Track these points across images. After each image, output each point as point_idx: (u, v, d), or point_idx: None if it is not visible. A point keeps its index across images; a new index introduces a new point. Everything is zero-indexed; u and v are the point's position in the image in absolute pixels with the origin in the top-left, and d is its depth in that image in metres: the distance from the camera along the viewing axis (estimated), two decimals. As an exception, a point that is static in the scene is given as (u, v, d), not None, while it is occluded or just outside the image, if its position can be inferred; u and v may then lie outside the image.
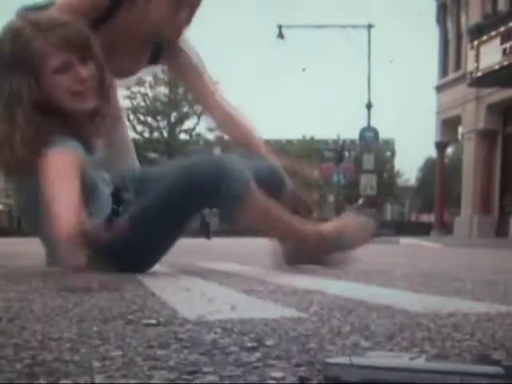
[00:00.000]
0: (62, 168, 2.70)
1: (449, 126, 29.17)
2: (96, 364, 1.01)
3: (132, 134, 49.90)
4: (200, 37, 4.06)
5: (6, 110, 2.89)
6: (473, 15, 24.00)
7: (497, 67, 20.27)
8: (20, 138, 2.81)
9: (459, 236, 25.39)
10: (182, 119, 50.19)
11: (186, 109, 49.48)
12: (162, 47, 3.67)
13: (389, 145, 63.36)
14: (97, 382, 0.89)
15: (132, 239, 2.97)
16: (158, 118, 49.89)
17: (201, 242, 15.55)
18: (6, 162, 2.95)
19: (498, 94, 23.61)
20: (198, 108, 49.19)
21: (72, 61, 2.91)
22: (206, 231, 23.46)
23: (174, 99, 49.04)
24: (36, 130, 2.85)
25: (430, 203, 43.25)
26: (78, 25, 2.98)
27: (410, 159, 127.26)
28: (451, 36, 29.02)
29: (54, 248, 2.48)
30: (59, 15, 3.10)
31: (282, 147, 50.95)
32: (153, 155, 45.87)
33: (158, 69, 4.21)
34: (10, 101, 2.88)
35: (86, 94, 2.98)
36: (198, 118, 48.47)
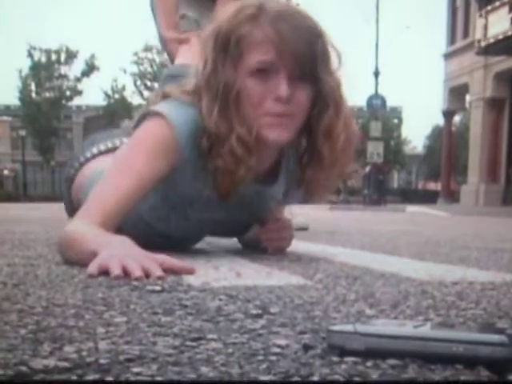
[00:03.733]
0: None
1: (456, 93, 29.14)
2: (100, 330, 1.01)
3: (139, 100, 49.96)
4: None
5: (223, 103, 2.20)
6: (482, -18, 23.83)
7: (505, 35, 20.18)
8: (235, 139, 2.18)
9: (465, 204, 25.42)
10: (188, 84, 50.04)
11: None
12: None
13: (396, 112, 63.18)
14: (101, 347, 0.89)
15: None
16: (165, 83, 49.73)
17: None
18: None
19: (506, 63, 23.55)
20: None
21: (279, 68, 2.15)
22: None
23: (181, 65, 48.86)
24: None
25: (437, 171, 43.25)
26: (315, 33, 2.21)
27: (418, 127, 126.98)
28: (459, 3, 28.86)
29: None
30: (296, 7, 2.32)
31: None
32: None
33: None
34: (224, 90, 2.19)
35: (277, 117, 2.19)
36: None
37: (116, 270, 1.65)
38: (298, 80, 2.17)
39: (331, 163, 2.33)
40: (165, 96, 2.38)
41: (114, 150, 2.86)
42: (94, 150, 2.96)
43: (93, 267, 1.71)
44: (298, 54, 2.14)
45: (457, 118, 38.47)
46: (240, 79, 2.18)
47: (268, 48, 2.14)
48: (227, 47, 2.19)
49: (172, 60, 4.03)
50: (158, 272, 1.66)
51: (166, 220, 2.44)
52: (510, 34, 19.96)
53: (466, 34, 27.75)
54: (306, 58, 2.16)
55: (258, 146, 2.22)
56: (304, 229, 4.53)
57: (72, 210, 2.88)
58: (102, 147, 2.98)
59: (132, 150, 2.25)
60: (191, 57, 3.37)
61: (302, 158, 2.45)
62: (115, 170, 2.23)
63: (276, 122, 2.18)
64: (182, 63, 3.63)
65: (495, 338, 0.82)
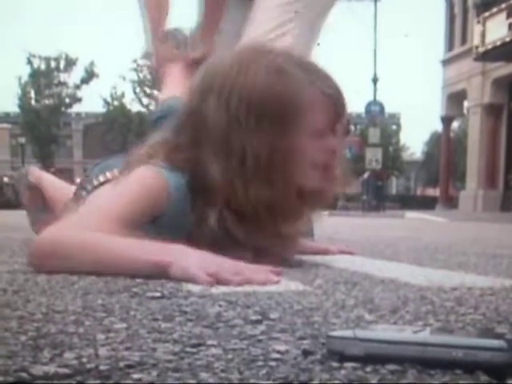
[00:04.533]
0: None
1: (454, 100, 29.19)
2: (100, 336, 1.01)
3: (138, 107, 50.02)
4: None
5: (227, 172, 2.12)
6: (479, -11, 23.89)
7: (503, 42, 20.22)
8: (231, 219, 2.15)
9: (464, 210, 25.44)
10: (187, 92, 50.16)
11: (191, 82, 49.50)
12: None
13: (394, 118, 63.23)
14: (101, 354, 0.90)
15: None
16: (164, 91, 49.82)
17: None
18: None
19: (503, 69, 23.61)
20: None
21: (333, 123, 2.19)
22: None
23: (180, 72, 48.98)
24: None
25: (436, 177, 43.28)
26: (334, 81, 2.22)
27: (416, 133, 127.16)
28: (457, 10, 28.92)
29: None
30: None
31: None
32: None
33: None
34: (238, 160, 2.11)
35: (332, 169, 2.22)
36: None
37: (236, 279, 1.66)
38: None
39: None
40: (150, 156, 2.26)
41: None
42: (108, 175, 2.77)
43: (203, 277, 1.65)
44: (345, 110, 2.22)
45: (455, 124, 38.60)
46: (293, 141, 2.12)
47: (329, 107, 2.15)
48: (272, 112, 2.10)
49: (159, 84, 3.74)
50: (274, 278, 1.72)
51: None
52: (507, 40, 20.00)
53: (464, 41, 27.82)
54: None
55: None
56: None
57: None
58: (117, 172, 2.75)
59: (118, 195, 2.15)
60: (177, 88, 3.22)
61: None
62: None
63: (324, 173, 2.19)
64: (170, 98, 3.36)
65: (494, 343, 0.82)
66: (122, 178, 2.20)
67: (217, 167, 2.12)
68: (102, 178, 2.73)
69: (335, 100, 2.16)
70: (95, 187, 2.70)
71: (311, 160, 2.15)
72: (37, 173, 3.51)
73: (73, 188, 3.23)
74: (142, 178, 2.16)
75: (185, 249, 1.82)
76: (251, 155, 2.09)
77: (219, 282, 1.64)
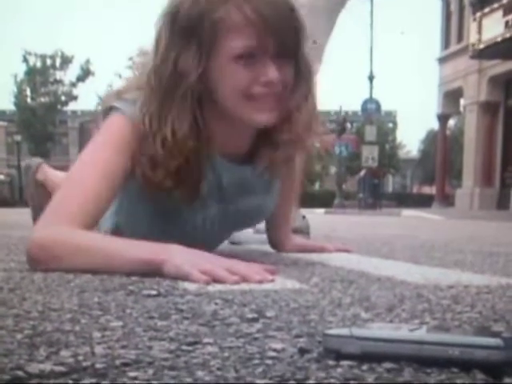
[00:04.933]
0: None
1: (451, 98, 29.19)
2: (96, 334, 1.01)
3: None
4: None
5: (164, 97, 2.07)
6: (476, -14, 23.90)
7: (499, 39, 20.24)
8: (170, 134, 2.05)
9: (460, 208, 25.44)
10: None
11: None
12: None
13: (391, 116, 63.26)
14: (97, 352, 0.89)
15: None
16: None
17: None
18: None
19: (500, 67, 23.61)
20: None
21: (265, 50, 1.99)
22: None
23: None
24: (192, 129, 2.09)
25: (432, 175, 43.35)
26: (289, 6, 2.04)
27: (412, 131, 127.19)
28: (454, 8, 28.93)
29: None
30: None
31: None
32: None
33: None
34: (171, 82, 2.05)
35: (266, 101, 2.06)
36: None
37: (231, 277, 1.66)
38: (282, 58, 2.03)
39: (290, 142, 2.23)
40: (118, 94, 2.25)
41: None
42: None
43: (197, 275, 1.66)
44: (282, 32, 1.99)
45: (451, 122, 38.60)
46: (215, 67, 2.02)
47: (251, 31, 1.96)
48: (192, 32, 2.00)
49: None
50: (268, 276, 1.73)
51: (169, 235, 2.06)
52: (504, 37, 20.00)
53: (460, 38, 27.81)
54: (289, 34, 2.02)
55: (235, 127, 2.17)
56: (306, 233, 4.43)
57: None
58: None
59: (95, 146, 2.13)
60: None
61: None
62: (78, 169, 2.10)
63: (266, 105, 2.05)
64: None
65: (491, 341, 0.82)
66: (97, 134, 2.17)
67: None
68: None
69: (260, 25, 1.95)
70: None
71: (240, 88, 2.02)
72: (45, 169, 3.47)
73: None
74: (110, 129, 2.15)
75: (178, 247, 1.82)
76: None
77: (214, 280, 1.64)
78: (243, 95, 2.03)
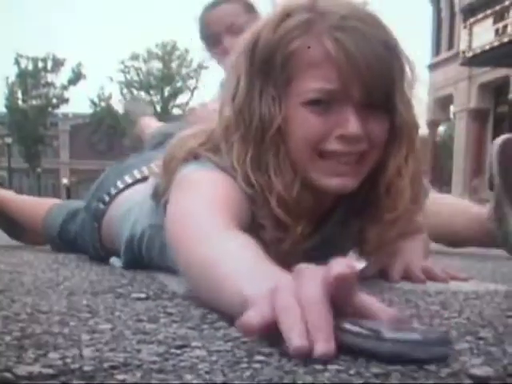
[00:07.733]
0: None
1: (441, 104, 29.21)
2: (85, 337, 1.01)
3: (125, 109, 49.91)
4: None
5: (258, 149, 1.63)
6: (466, -6, 23.99)
7: (489, 47, 20.30)
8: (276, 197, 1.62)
9: (450, 214, 25.43)
10: (175, 94, 50.29)
11: (179, 84, 49.75)
12: None
13: (381, 123, 63.39)
14: (85, 354, 0.90)
15: None
16: (152, 92, 49.93)
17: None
18: None
19: (490, 74, 23.67)
20: (192, 83, 49.36)
21: (347, 96, 1.56)
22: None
23: (168, 74, 49.13)
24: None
25: (422, 181, 43.27)
26: (384, 39, 1.59)
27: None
28: (444, 15, 28.99)
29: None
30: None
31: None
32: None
33: None
34: (257, 129, 1.62)
35: (341, 161, 1.61)
36: (192, 93, 48.67)
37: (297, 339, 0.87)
38: (370, 109, 1.59)
39: (390, 221, 1.76)
40: (188, 156, 1.73)
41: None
42: (128, 179, 2.36)
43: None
44: (372, 77, 1.55)
45: (441, 129, 38.63)
46: (288, 111, 1.60)
47: (331, 70, 1.54)
48: (270, 67, 1.61)
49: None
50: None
51: None
52: (494, 45, 20.07)
53: (450, 45, 27.86)
54: (382, 81, 1.58)
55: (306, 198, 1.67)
56: None
57: (96, 251, 2.40)
58: (138, 175, 2.35)
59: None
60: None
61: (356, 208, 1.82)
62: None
63: (341, 168, 1.62)
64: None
65: (413, 335, 0.87)
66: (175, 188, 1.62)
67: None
68: (121, 185, 2.36)
69: (343, 64, 1.53)
70: (113, 196, 2.34)
71: (316, 143, 1.60)
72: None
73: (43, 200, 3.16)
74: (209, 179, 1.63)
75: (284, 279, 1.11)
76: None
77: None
78: (313, 150, 1.61)
